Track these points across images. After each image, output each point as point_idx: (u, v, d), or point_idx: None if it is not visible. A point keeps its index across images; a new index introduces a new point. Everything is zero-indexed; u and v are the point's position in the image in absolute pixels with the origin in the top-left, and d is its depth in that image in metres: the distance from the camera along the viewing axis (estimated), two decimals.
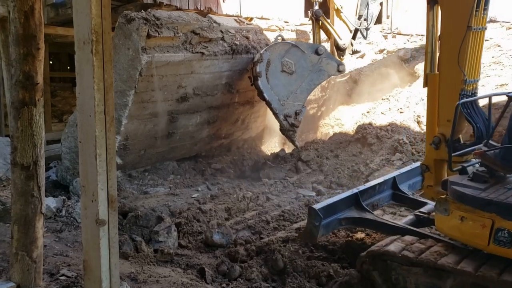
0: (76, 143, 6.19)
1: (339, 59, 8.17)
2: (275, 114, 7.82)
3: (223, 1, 9.60)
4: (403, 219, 4.88)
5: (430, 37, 4.64)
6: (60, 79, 14.86)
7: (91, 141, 2.94)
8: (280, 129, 8.01)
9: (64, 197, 6.27)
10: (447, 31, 4.36)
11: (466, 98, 4.22)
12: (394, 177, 5.41)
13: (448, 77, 4.37)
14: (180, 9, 8.47)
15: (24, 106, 3.46)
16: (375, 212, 5.05)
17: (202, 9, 9.05)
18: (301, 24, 10.57)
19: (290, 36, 9.30)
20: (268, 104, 7.74)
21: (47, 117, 10.37)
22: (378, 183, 5.25)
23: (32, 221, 3.58)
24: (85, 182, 3.04)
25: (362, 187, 5.08)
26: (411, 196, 5.38)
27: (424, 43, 12.01)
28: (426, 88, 4.66)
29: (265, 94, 7.61)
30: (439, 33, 4.53)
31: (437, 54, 4.57)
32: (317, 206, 4.54)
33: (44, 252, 4.08)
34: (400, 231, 4.29)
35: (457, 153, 4.13)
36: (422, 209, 4.88)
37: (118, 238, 3.20)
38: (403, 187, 5.41)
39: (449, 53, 4.29)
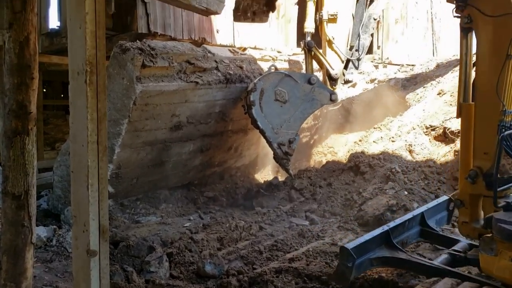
0: (68, 172, 6.16)
1: (331, 89, 8.26)
2: (268, 142, 7.84)
3: (217, 32, 9.75)
4: (438, 258, 4.58)
5: (464, 65, 4.40)
6: (53, 106, 14.85)
7: (83, 171, 2.94)
8: (274, 158, 8.02)
9: (55, 227, 6.18)
10: (484, 60, 4.14)
11: (506, 129, 3.96)
12: (423, 212, 5.11)
13: (485, 108, 4.12)
14: (174, 39, 8.58)
15: (17, 135, 3.45)
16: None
17: (196, 39, 9.16)
18: (294, 54, 10.72)
19: (283, 66, 9.43)
20: (262, 133, 7.77)
21: (39, 145, 10.34)
22: (408, 219, 4.94)
23: (22, 251, 3.53)
24: (76, 212, 3.02)
25: (392, 224, 4.76)
26: (440, 233, 5.12)
27: (414, 72, 12.10)
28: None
29: (258, 123, 7.64)
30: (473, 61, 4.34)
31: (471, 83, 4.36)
32: (349, 245, 4.25)
33: (33, 283, 4.00)
34: (439, 272, 4.07)
35: (501, 188, 3.91)
36: (456, 247, 4.60)
37: (109, 269, 3.16)
38: (431, 223, 5.13)
39: (486, 82, 4.06)
